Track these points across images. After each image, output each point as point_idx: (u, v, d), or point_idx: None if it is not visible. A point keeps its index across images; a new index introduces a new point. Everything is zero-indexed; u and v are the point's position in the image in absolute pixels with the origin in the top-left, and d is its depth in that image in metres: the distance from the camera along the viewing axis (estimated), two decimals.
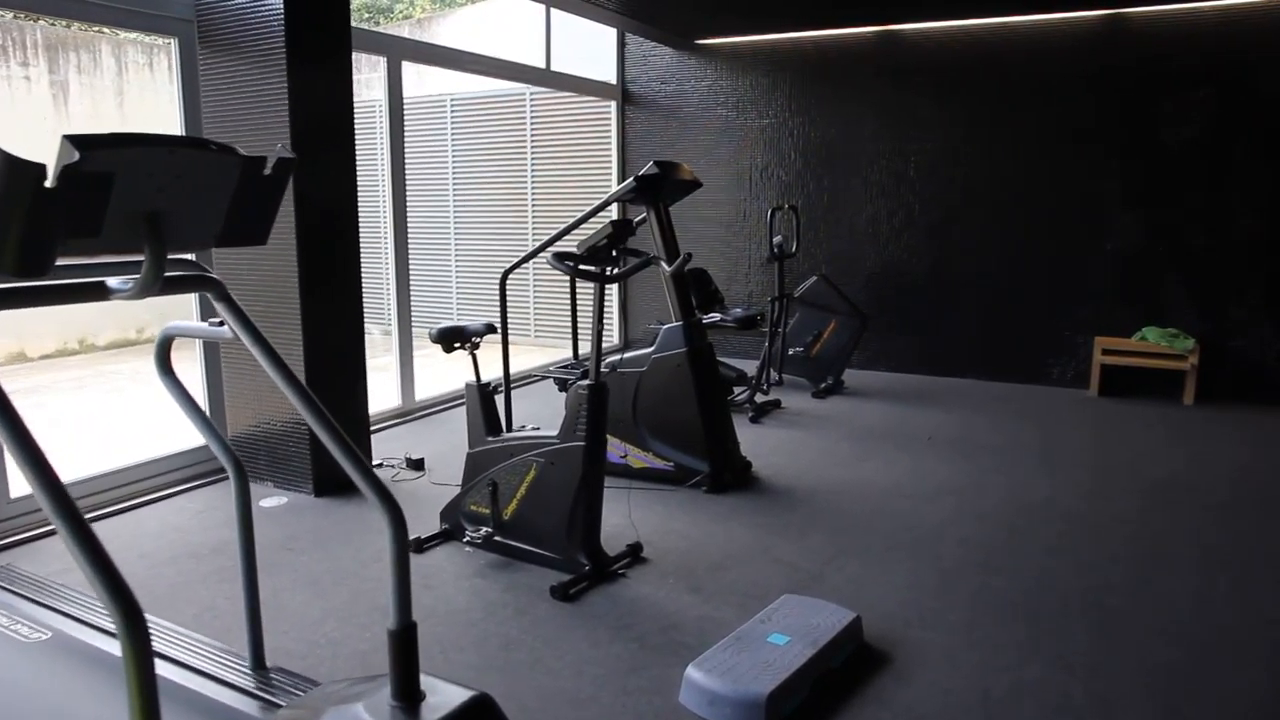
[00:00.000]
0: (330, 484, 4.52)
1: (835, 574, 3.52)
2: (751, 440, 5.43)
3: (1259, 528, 4.03)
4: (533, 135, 8.79)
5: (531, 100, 8.72)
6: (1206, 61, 6.25)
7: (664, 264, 4.36)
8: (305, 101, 4.23)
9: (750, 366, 6.86)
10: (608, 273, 3.30)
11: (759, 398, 6.13)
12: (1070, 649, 2.94)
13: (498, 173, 9.13)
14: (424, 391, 6.36)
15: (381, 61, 5.65)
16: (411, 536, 3.81)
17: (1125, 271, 6.67)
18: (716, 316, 6.70)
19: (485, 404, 3.73)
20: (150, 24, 4.37)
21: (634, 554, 3.69)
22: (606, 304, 8.78)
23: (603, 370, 4.78)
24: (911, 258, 7.29)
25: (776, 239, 6.26)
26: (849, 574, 3.52)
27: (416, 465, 4.93)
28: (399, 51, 5.72)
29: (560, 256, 3.20)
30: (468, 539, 3.69)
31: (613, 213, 7.65)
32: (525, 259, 4.46)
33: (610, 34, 8.07)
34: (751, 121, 7.72)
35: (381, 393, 6.12)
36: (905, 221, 7.28)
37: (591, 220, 4.58)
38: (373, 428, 5.66)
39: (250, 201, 1.84)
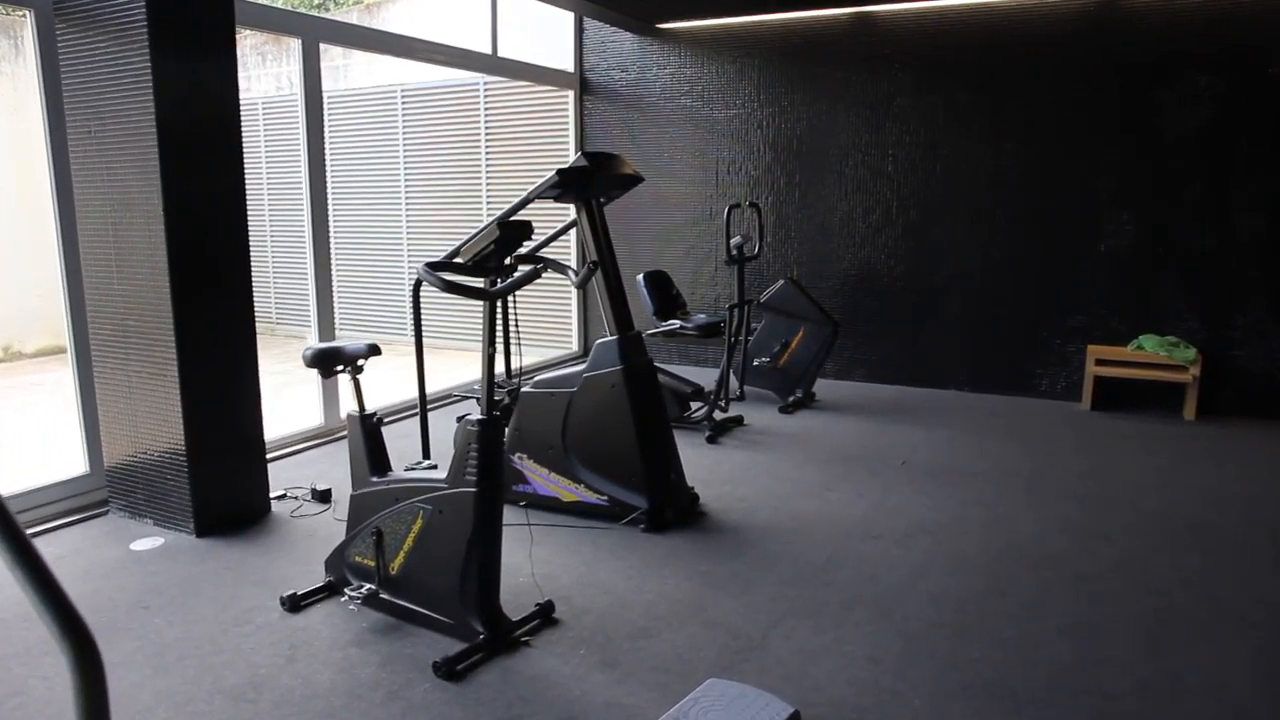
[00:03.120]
0: (214, 523, 3.95)
1: (780, 642, 2.96)
2: (705, 464, 4.87)
3: (1278, 577, 3.48)
4: (487, 127, 8.22)
5: (485, 91, 8.15)
6: (1209, 47, 5.70)
7: (572, 273, 3.79)
8: (175, 88, 3.64)
9: (714, 378, 6.29)
10: (493, 285, 2.73)
11: (718, 414, 5.56)
12: None
13: (452, 167, 8.56)
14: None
15: (327, 50, 5.06)
16: (288, 592, 3.25)
17: (1120, 274, 6.12)
18: (676, 324, 6.14)
19: (369, 438, 3.16)
20: None
21: (544, 615, 3.12)
22: (566, 308, 8.26)
23: (526, 389, 4.22)
24: (889, 259, 6.74)
25: (735, 239, 5.70)
26: (796, 642, 2.96)
27: (322, 497, 4.36)
28: (315, 33, 5.13)
29: (434, 267, 2.62)
30: (347, 597, 3.12)
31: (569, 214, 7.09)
32: (456, 269, 3.88)
33: (568, 19, 7.50)
34: (718, 112, 7.15)
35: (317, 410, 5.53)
36: (883, 220, 6.72)
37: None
38: (286, 451, 5.11)
39: None
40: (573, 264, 7.58)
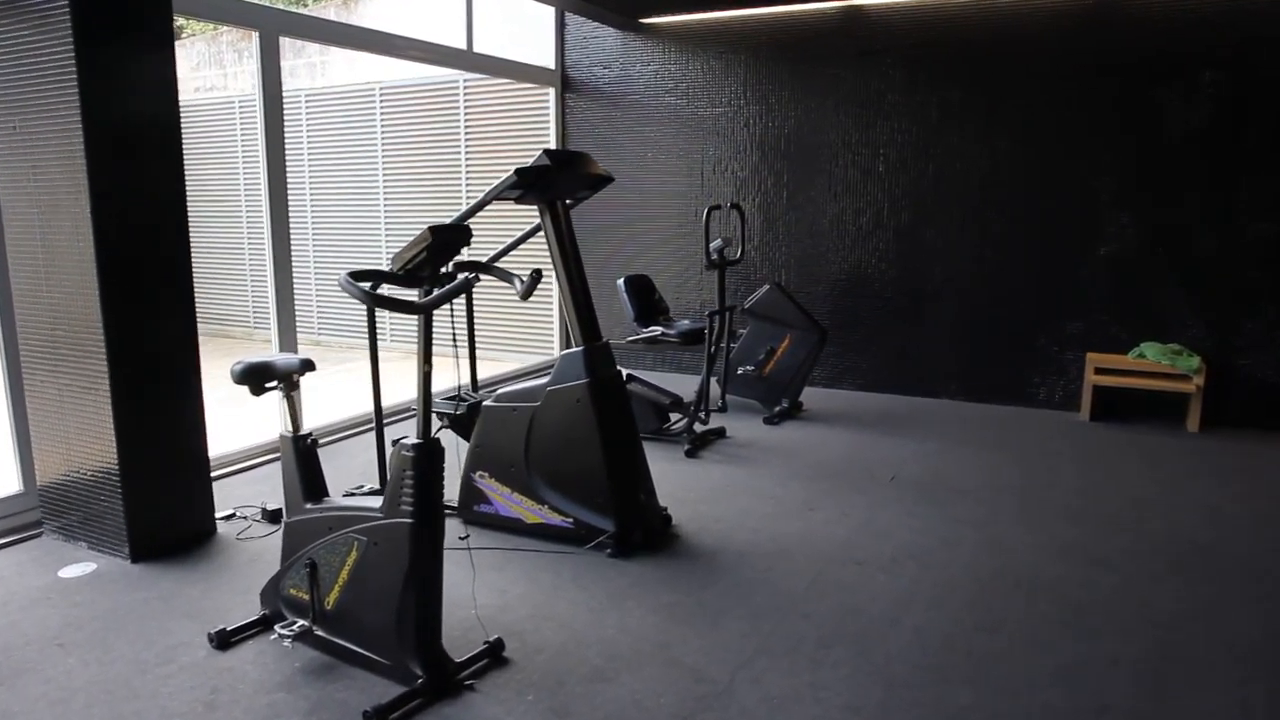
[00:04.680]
0: (151, 547, 3.68)
1: (747, 687, 2.69)
2: (682, 481, 4.61)
3: None
4: (467, 126, 7.96)
5: (465, 88, 7.89)
6: (1213, 42, 5.44)
7: (518, 281, 3.53)
8: (104, 82, 3.38)
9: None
10: (421, 297, 2.46)
11: (698, 426, 5.30)
12: None
13: (431, 165, 8.30)
14: (325, 416, 5.57)
15: (306, 47, 4.79)
16: (218, 628, 2.98)
17: (1121, 279, 5.86)
18: (658, 330, 5.89)
19: (303, 461, 2.90)
20: None
21: (494, 654, 2.86)
22: (547, 314, 7.98)
23: (487, 404, 3.96)
24: (880, 262, 6.48)
25: (715, 243, 5.43)
26: (766, 687, 2.69)
27: (273, 517, 4.09)
28: (273, 25, 4.86)
29: (356, 276, 2.36)
30: (278, 634, 2.86)
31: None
32: (384, 278, 3.60)
33: (548, 14, 7.24)
34: (703, 110, 6.89)
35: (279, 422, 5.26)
36: (874, 222, 6.46)
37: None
38: (243, 466, 4.85)
39: None
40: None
